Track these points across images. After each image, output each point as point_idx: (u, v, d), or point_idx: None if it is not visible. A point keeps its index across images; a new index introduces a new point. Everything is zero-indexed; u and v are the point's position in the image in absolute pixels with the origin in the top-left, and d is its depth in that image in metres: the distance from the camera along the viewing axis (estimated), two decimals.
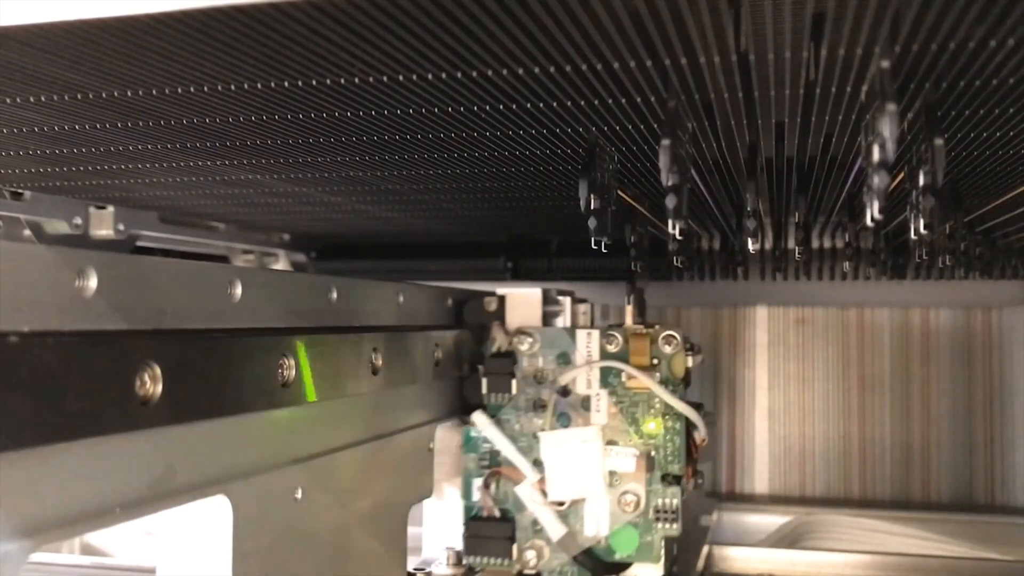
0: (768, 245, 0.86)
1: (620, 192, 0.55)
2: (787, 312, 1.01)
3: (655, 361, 0.60)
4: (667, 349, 0.60)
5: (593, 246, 0.48)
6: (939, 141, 0.37)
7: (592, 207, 0.46)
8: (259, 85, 0.36)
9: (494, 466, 0.62)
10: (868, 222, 0.37)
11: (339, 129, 0.44)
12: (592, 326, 0.64)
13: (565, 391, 0.61)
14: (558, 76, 0.35)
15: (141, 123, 0.42)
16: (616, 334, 0.61)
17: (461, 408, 0.63)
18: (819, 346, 1.00)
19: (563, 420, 0.61)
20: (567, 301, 0.65)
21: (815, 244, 0.90)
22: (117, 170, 0.54)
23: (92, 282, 0.33)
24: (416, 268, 0.95)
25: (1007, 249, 0.85)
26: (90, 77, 0.35)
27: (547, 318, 0.65)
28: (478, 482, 0.62)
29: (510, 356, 0.62)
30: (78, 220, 0.64)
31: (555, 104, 0.39)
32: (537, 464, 0.61)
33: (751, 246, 0.51)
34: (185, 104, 0.39)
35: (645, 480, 0.60)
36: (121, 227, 0.67)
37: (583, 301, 0.67)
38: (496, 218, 0.79)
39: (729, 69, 0.34)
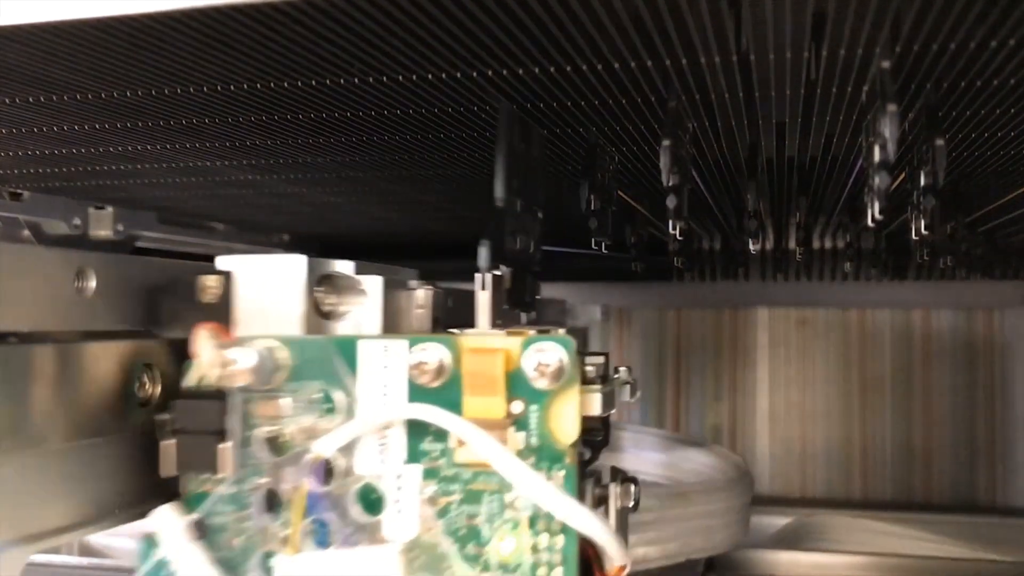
0: (769, 246, 0.86)
1: (620, 192, 0.55)
2: (788, 313, 1.00)
3: (515, 408, 0.31)
4: (540, 383, 0.31)
5: (594, 247, 0.48)
6: (940, 142, 0.37)
7: (592, 208, 0.46)
8: (258, 85, 0.36)
9: None
10: (869, 223, 0.37)
11: (339, 129, 0.44)
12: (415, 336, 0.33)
13: (328, 471, 0.32)
14: (558, 76, 0.35)
15: (140, 123, 0.42)
16: (440, 349, 0.31)
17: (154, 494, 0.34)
18: (820, 347, 1.00)
19: (323, 532, 0.32)
20: (375, 284, 0.35)
21: (816, 245, 0.90)
22: (116, 171, 0.54)
23: (92, 283, 0.33)
24: (416, 269, 0.95)
25: (1009, 250, 0.85)
26: (88, 77, 0.35)
27: (328, 318, 0.35)
28: None
29: (219, 397, 0.33)
30: (77, 221, 0.64)
31: (555, 104, 0.39)
32: None
33: (752, 247, 0.51)
34: (184, 104, 0.39)
35: None
36: (120, 228, 0.67)
37: (429, 287, 0.37)
38: None
39: (730, 69, 0.34)
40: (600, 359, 0.33)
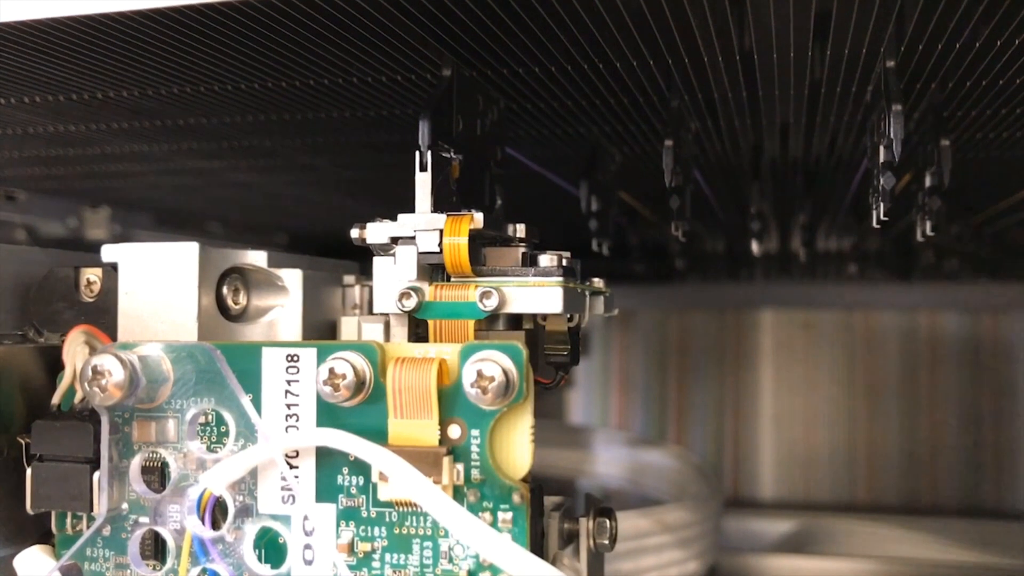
0: (773, 247, 0.86)
1: (622, 193, 0.54)
2: (792, 316, 1.00)
3: (453, 433, 0.26)
4: (482, 401, 0.25)
5: (594, 248, 0.47)
6: (945, 142, 0.37)
7: (593, 209, 0.46)
8: (256, 85, 0.36)
9: None
10: (874, 224, 0.37)
11: (338, 130, 0.43)
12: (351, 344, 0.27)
13: (219, 510, 0.27)
14: (559, 75, 0.35)
15: (136, 123, 0.42)
16: (357, 358, 0.26)
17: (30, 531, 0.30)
18: (825, 350, 0.99)
19: None
20: (294, 278, 0.30)
21: (820, 246, 0.89)
22: (112, 171, 0.54)
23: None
24: None
25: (1015, 251, 0.85)
26: (84, 76, 0.34)
27: (238, 320, 0.30)
28: None
29: (90, 418, 0.28)
30: (73, 222, 0.64)
31: (555, 104, 0.39)
32: None
33: (756, 248, 0.51)
34: (181, 104, 0.38)
35: None
36: (117, 229, 0.66)
37: (368, 283, 0.32)
38: None
39: (733, 68, 0.34)
40: (566, 253, 0.28)
